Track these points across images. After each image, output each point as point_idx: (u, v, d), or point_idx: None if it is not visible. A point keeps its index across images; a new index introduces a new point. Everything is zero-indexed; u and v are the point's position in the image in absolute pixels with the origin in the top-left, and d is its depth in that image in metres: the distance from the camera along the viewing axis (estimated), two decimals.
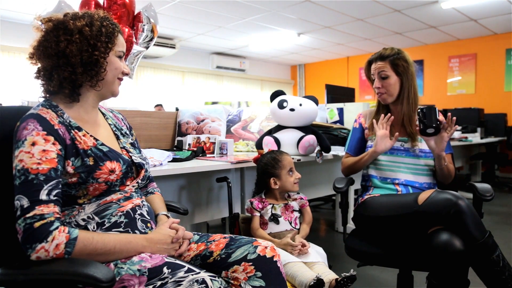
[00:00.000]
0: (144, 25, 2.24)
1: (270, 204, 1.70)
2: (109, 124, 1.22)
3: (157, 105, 6.62)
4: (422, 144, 1.72)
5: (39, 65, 1.07)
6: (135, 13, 2.30)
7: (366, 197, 1.72)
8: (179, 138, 2.38)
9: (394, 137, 1.68)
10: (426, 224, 1.42)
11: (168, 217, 1.23)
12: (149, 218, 1.14)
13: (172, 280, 0.94)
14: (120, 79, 1.16)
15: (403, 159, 1.72)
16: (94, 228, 1.02)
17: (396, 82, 1.72)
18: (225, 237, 1.16)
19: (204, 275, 0.97)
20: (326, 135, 2.39)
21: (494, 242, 1.36)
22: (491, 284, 1.35)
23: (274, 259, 1.08)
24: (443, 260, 1.29)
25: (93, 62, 1.06)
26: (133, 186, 1.15)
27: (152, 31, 2.31)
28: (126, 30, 2.21)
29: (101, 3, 2.22)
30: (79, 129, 1.07)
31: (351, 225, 1.81)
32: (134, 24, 2.27)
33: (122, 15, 2.19)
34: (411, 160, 1.71)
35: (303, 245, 1.55)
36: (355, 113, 2.55)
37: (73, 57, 1.03)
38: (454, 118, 1.60)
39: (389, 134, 1.72)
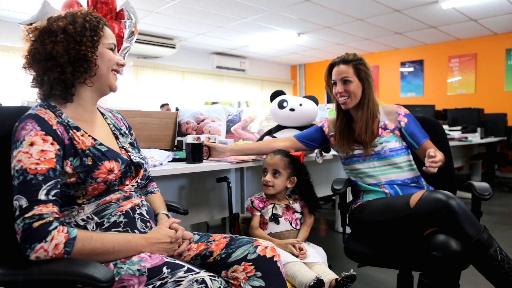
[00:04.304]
0: (125, 21, 2.25)
1: (271, 203, 1.70)
2: (108, 124, 1.22)
3: (163, 105, 6.64)
4: (390, 143, 1.70)
5: (32, 73, 1.07)
6: (117, 10, 2.30)
7: (359, 202, 1.71)
8: (179, 138, 2.37)
9: None
10: (421, 225, 1.42)
11: (168, 216, 1.23)
12: (148, 217, 1.14)
13: (172, 280, 0.94)
14: (116, 71, 1.15)
15: (377, 162, 1.71)
16: (93, 228, 1.02)
17: (358, 87, 1.70)
18: (225, 237, 1.16)
19: (203, 275, 0.96)
20: None
21: (490, 237, 1.35)
22: (492, 279, 1.35)
23: (274, 259, 1.08)
24: (441, 262, 1.29)
25: (81, 58, 1.05)
26: (132, 185, 1.15)
27: (134, 27, 2.31)
28: (116, 26, 2.22)
29: (84, 5, 2.21)
30: (78, 129, 1.07)
31: (349, 228, 1.80)
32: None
33: (106, 12, 2.20)
34: (384, 162, 1.70)
35: (300, 249, 1.55)
36: None
37: (61, 57, 1.02)
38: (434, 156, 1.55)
39: (349, 142, 1.75)
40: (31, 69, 1.07)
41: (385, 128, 1.74)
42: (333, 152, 2.33)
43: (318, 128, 1.91)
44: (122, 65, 1.16)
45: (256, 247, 1.09)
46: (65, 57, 1.03)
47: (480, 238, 1.32)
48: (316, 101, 2.23)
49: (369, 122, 1.72)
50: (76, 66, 1.05)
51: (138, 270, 0.95)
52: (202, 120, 2.42)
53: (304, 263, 1.50)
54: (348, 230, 1.78)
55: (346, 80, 1.69)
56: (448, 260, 1.28)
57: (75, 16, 1.08)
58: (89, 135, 1.08)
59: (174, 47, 6.96)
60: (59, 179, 0.96)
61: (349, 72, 1.69)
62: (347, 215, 1.77)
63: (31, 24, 2.01)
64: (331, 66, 1.76)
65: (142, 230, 1.09)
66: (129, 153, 1.19)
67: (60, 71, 1.03)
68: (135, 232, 1.07)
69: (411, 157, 1.74)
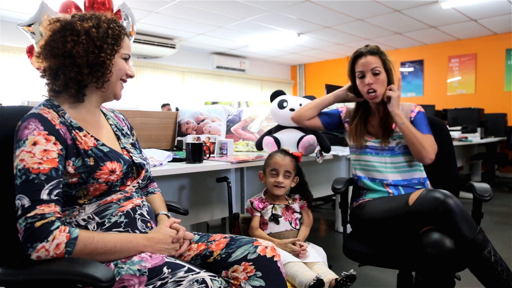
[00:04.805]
0: (122, 22, 2.25)
1: (270, 204, 1.70)
2: (110, 125, 1.22)
3: (164, 105, 6.64)
4: (404, 140, 1.69)
5: (45, 64, 1.07)
6: (114, 11, 2.30)
7: (360, 201, 1.72)
8: (179, 138, 2.38)
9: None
10: (419, 224, 1.42)
11: (168, 216, 1.23)
12: (149, 218, 1.14)
13: (172, 280, 0.94)
14: (124, 81, 1.16)
15: (389, 158, 1.71)
16: (94, 228, 1.02)
17: (385, 79, 1.68)
18: (225, 237, 1.17)
19: (204, 275, 0.97)
20: (326, 135, 2.39)
21: (485, 238, 1.36)
22: (484, 280, 1.36)
23: (275, 259, 1.08)
24: (434, 260, 1.30)
25: (99, 64, 1.06)
26: (134, 186, 1.15)
27: (131, 28, 2.31)
28: None
29: (81, 6, 2.21)
30: (80, 129, 1.07)
31: (350, 227, 1.81)
32: None
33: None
34: (397, 158, 1.70)
35: (301, 245, 1.55)
36: None
37: (80, 58, 1.03)
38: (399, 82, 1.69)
39: (363, 133, 1.74)
40: (45, 60, 1.07)
41: None
42: (333, 152, 2.34)
43: (336, 111, 1.91)
44: (131, 76, 1.17)
45: (256, 247, 1.09)
46: (84, 59, 1.04)
47: (475, 239, 1.33)
48: None
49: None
50: (93, 70, 1.06)
51: (139, 270, 0.96)
52: (202, 120, 2.42)
53: (304, 263, 1.50)
54: (349, 229, 1.78)
55: (376, 71, 1.66)
56: (441, 257, 1.28)
57: (100, 20, 1.09)
58: (92, 136, 1.09)
59: (174, 47, 6.95)
60: (61, 179, 0.97)
61: (378, 63, 1.66)
62: (349, 212, 1.77)
63: (29, 25, 2.01)
64: (355, 58, 1.71)
65: (143, 230, 1.09)
66: (130, 154, 1.19)
67: (77, 71, 1.04)
68: (135, 232, 1.07)
69: None
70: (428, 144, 1.60)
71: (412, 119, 1.71)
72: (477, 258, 1.33)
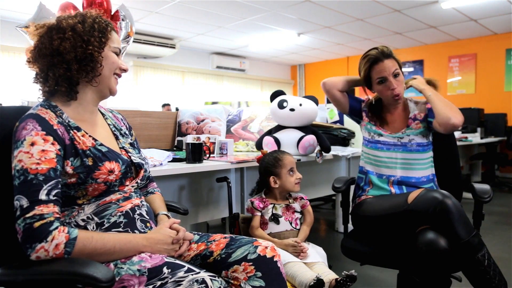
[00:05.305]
0: (120, 23, 2.26)
1: (271, 204, 1.70)
2: (108, 124, 1.22)
3: (165, 105, 6.64)
4: (418, 138, 1.70)
5: (36, 68, 1.08)
6: (112, 12, 2.31)
7: (363, 196, 1.73)
8: (179, 138, 2.37)
9: None
10: (416, 223, 1.42)
11: (168, 216, 1.23)
12: (148, 218, 1.14)
13: (172, 280, 0.94)
14: (118, 75, 1.16)
15: (401, 154, 1.71)
16: (93, 228, 1.02)
17: (403, 77, 1.71)
18: (225, 237, 1.16)
19: (204, 275, 0.96)
20: (326, 135, 2.39)
21: (481, 242, 1.36)
22: (475, 283, 1.36)
23: (275, 259, 1.08)
24: (427, 258, 1.30)
25: (88, 58, 1.06)
26: (133, 186, 1.15)
27: (130, 29, 2.32)
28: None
29: (79, 8, 2.22)
30: (78, 129, 1.07)
31: (351, 225, 1.81)
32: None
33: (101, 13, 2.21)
34: (408, 155, 1.70)
35: (302, 250, 1.55)
36: None
37: (67, 54, 1.03)
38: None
39: (381, 127, 1.76)
40: (35, 63, 1.07)
41: (414, 119, 1.73)
42: (333, 152, 2.34)
43: (360, 99, 1.92)
44: (125, 70, 1.16)
45: (256, 247, 1.09)
46: (72, 54, 1.03)
47: (470, 241, 1.33)
48: (316, 101, 2.23)
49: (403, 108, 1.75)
50: (82, 64, 1.05)
51: (139, 270, 0.95)
52: (202, 120, 2.42)
53: (304, 263, 1.50)
54: (349, 229, 1.78)
55: (397, 73, 1.67)
56: (434, 256, 1.29)
57: (84, 17, 1.09)
58: (90, 136, 1.09)
59: (174, 47, 6.95)
60: (59, 179, 0.96)
61: (395, 64, 1.67)
62: (352, 205, 1.78)
63: (27, 27, 2.01)
64: (371, 64, 1.69)
65: (142, 231, 1.09)
66: (129, 154, 1.19)
67: (66, 67, 1.04)
68: (135, 232, 1.07)
69: (432, 153, 1.74)
70: (456, 109, 1.61)
71: (428, 112, 1.72)
72: (471, 260, 1.33)
